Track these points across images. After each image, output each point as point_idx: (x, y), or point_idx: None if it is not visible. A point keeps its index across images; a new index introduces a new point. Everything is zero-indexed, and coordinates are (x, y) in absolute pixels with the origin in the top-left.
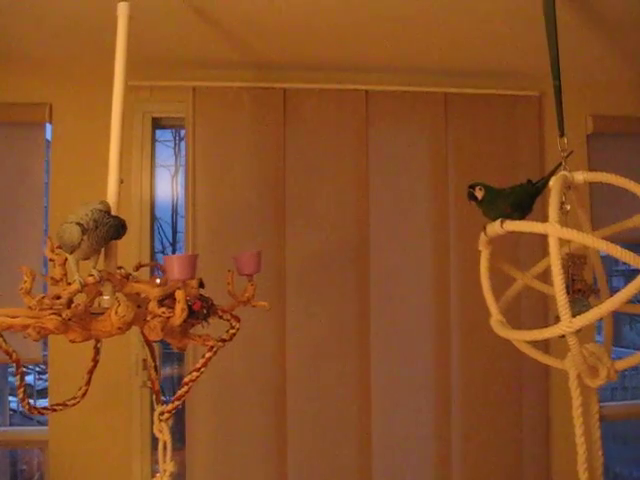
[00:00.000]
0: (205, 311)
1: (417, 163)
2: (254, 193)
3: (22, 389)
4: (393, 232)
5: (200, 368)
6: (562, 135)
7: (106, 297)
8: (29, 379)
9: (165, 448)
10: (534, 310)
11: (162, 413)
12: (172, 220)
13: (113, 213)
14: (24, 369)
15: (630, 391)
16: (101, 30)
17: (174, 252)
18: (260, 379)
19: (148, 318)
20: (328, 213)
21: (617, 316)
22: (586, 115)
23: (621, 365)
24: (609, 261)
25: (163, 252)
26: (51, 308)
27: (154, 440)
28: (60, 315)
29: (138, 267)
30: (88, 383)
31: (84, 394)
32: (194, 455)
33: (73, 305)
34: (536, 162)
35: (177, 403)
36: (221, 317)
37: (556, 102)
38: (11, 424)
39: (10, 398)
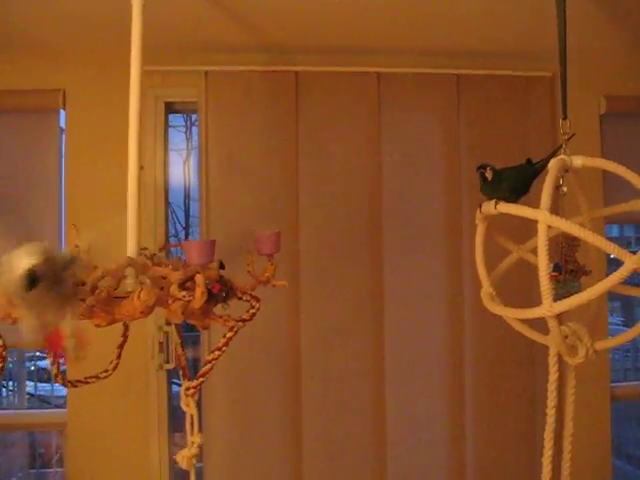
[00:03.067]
0: (224, 294)
1: (430, 145)
2: (267, 176)
3: (56, 365)
4: (406, 214)
5: (222, 347)
6: (565, 118)
7: (129, 281)
8: (42, 364)
9: (192, 422)
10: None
11: (188, 388)
12: (185, 204)
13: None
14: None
15: None
16: (114, 16)
17: (187, 236)
18: (275, 359)
19: (169, 301)
20: (341, 195)
21: (631, 299)
22: (599, 95)
23: (601, 345)
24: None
25: (177, 236)
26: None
27: (172, 422)
28: (84, 301)
29: (162, 248)
30: (119, 357)
31: (115, 367)
32: (211, 437)
33: (97, 291)
34: (548, 142)
35: (201, 379)
36: (240, 298)
37: (561, 85)
38: (29, 408)
39: (27, 382)
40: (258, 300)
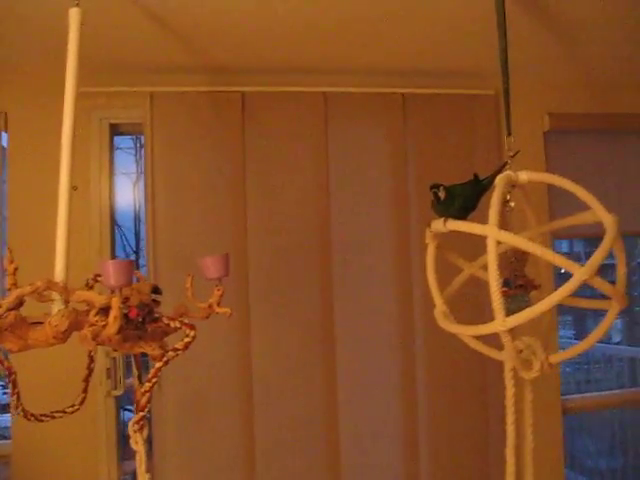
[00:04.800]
0: (141, 319)
1: (377, 163)
2: (214, 197)
3: (16, 396)
4: (354, 232)
5: (151, 378)
6: (509, 134)
7: (55, 305)
8: None
9: (140, 460)
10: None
11: (133, 424)
12: (135, 228)
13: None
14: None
15: (593, 384)
16: (55, 36)
17: (137, 260)
18: (226, 383)
19: (86, 327)
20: (290, 216)
21: (583, 311)
22: (543, 113)
23: (555, 358)
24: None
25: None
26: None
27: (121, 451)
28: None
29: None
30: (85, 390)
31: (82, 401)
32: (162, 463)
33: (4, 315)
34: (494, 159)
35: (141, 414)
36: (168, 325)
37: (504, 103)
38: None
39: None
40: (193, 328)
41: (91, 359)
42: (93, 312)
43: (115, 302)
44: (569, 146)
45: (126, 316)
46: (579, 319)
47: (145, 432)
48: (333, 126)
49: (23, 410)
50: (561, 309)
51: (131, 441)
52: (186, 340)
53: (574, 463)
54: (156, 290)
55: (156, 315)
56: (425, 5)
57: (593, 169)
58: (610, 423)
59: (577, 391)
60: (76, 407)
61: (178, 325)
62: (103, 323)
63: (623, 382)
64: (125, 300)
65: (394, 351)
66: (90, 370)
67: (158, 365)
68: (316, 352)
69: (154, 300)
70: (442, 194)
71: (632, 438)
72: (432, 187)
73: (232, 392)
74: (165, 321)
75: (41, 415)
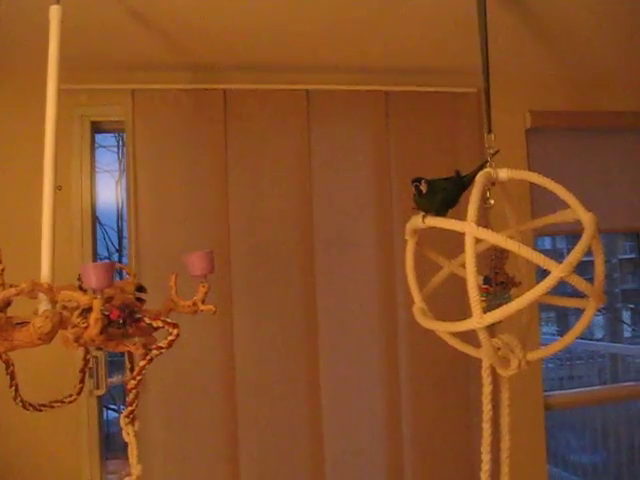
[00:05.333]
0: (121, 321)
1: (360, 161)
2: (196, 195)
3: (14, 387)
4: (337, 228)
5: (136, 376)
6: (489, 132)
7: (42, 306)
8: None
9: (132, 451)
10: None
11: (123, 417)
12: (118, 226)
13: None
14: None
15: (576, 380)
16: (36, 34)
17: (120, 258)
18: (209, 379)
19: (68, 328)
20: (272, 212)
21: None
22: (525, 110)
23: (532, 356)
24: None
25: (109, 258)
26: None
27: (106, 449)
28: None
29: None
30: (82, 381)
31: (79, 392)
32: (146, 460)
33: None
34: (477, 156)
35: (130, 408)
36: (150, 325)
37: (485, 101)
38: None
39: None
40: (175, 326)
41: (87, 350)
42: (76, 314)
43: (96, 304)
44: (551, 143)
45: (108, 317)
46: (562, 315)
47: (137, 425)
48: (316, 123)
49: (22, 401)
50: (544, 306)
51: (123, 433)
52: (170, 338)
53: (557, 459)
54: (140, 289)
55: (138, 315)
56: (407, 4)
57: (574, 166)
58: (592, 419)
59: (560, 387)
60: (74, 397)
61: (160, 325)
62: (85, 325)
63: (605, 378)
64: (109, 299)
65: (377, 347)
66: (86, 361)
67: (142, 363)
68: (299, 348)
69: (138, 299)
70: (424, 187)
71: (614, 434)
72: (414, 180)
73: (215, 388)
74: (147, 321)
75: (40, 405)
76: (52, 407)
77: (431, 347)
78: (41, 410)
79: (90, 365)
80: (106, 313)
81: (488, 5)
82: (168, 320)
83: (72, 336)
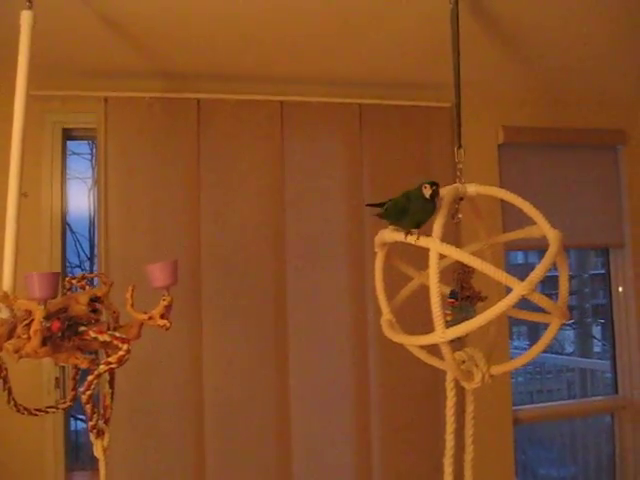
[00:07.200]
0: (61, 333)
1: (333, 172)
2: (168, 204)
3: (7, 390)
4: (309, 239)
5: (85, 391)
6: (459, 147)
7: (2, 314)
8: None
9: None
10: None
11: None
12: (89, 234)
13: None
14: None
15: (545, 394)
16: (6, 39)
17: (92, 267)
18: (177, 391)
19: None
20: (244, 223)
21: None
22: (497, 126)
23: (497, 370)
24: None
25: (80, 266)
26: None
27: (72, 458)
28: None
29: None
30: (74, 389)
31: (73, 398)
32: (113, 473)
33: None
34: (449, 170)
35: (91, 423)
36: (96, 339)
37: (456, 116)
38: None
39: None
40: (126, 342)
41: None
42: (21, 325)
43: (37, 315)
44: (523, 159)
45: (49, 329)
46: (534, 329)
47: (106, 440)
48: (289, 134)
49: (15, 404)
50: (515, 320)
51: (94, 448)
52: (120, 354)
53: (526, 472)
54: (95, 299)
55: (82, 328)
56: (383, 19)
57: (546, 182)
58: (561, 433)
59: (530, 401)
60: (67, 404)
61: (108, 339)
62: (26, 336)
63: (574, 392)
64: (63, 310)
65: (347, 358)
66: (76, 369)
67: (90, 378)
68: (269, 359)
69: (93, 310)
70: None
71: (582, 447)
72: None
73: (183, 401)
74: (92, 335)
75: (35, 409)
76: (47, 412)
77: (401, 356)
78: (36, 414)
79: (57, 375)
80: (47, 325)
81: (462, 23)
82: (117, 334)
83: (12, 347)
